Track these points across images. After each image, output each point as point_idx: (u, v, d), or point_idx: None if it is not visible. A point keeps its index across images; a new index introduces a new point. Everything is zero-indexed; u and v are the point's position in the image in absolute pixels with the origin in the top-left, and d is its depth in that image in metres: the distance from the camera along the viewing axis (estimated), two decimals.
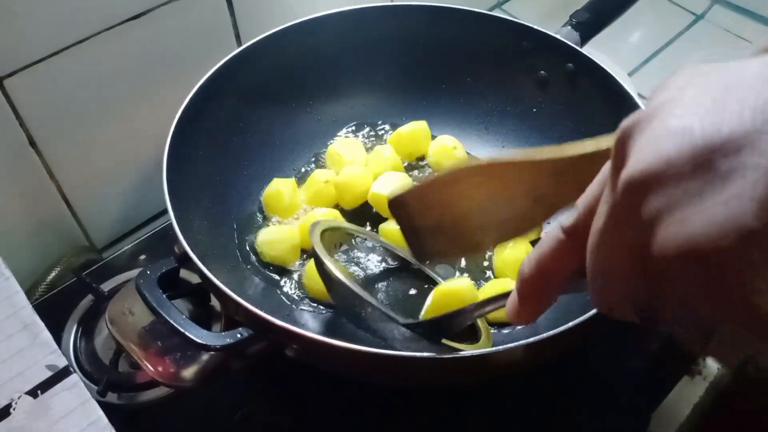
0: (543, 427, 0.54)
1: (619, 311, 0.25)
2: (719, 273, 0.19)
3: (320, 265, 0.47)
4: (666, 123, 0.21)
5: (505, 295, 0.31)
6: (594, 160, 0.38)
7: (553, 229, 0.27)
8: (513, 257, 0.57)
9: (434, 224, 0.47)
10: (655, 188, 0.20)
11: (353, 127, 0.70)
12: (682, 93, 0.21)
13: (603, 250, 0.23)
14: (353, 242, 0.60)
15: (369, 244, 0.60)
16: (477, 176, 0.44)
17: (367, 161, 0.65)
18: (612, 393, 0.55)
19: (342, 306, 0.47)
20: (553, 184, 0.41)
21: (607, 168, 0.23)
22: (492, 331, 0.54)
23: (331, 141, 0.68)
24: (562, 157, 0.40)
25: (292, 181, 0.63)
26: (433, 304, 0.56)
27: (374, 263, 0.60)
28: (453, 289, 0.55)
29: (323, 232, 0.53)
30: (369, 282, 0.58)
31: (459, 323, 0.41)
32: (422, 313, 0.56)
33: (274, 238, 0.59)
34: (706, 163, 0.19)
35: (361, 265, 0.59)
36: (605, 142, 0.39)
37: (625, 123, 0.22)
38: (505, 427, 0.53)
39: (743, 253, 0.18)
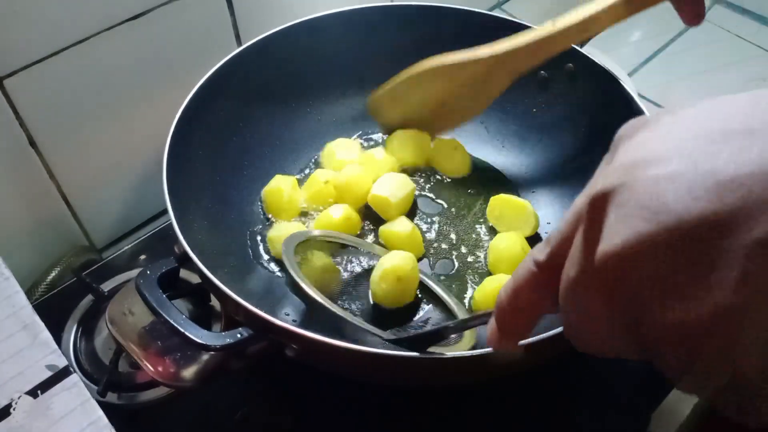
0: (543, 427, 0.54)
1: (593, 351, 0.25)
2: (702, 348, 0.20)
3: (295, 286, 0.47)
4: (639, 198, 0.21)
5: (489, 313, 0.31)
6: (516, 54, 0.57)
7: (527, 261, 0.27)
8: (507, 253, 0.57)
9: (402, 115, 0.65)
10: (630, 272, 0.21)
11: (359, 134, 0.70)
12: (653, 154, 0.21)
13: (574, 302, 0.24)
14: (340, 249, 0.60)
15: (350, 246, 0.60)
16: (429, 76, 0.61)
17: (360, 163, 0.65)
18: (612, 393, 0.55)
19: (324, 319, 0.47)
20: (489, 73, 0.59)
21: (581, 205, 0.24)
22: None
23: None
24: (492, 54, 0.57)
25: (293, 179, 0.63)
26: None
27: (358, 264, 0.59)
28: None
29: (300, 246, 0.53)
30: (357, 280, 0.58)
31: (443, 337, 0.41)
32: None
33: (284, 233, 0.59)
34: (680, 248, 0.20)
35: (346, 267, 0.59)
36: (522, 39, 0.56)
37: (600, 187, 0.22)
38: (505, 427, 0.53)
39: (725, 334, 0.20)
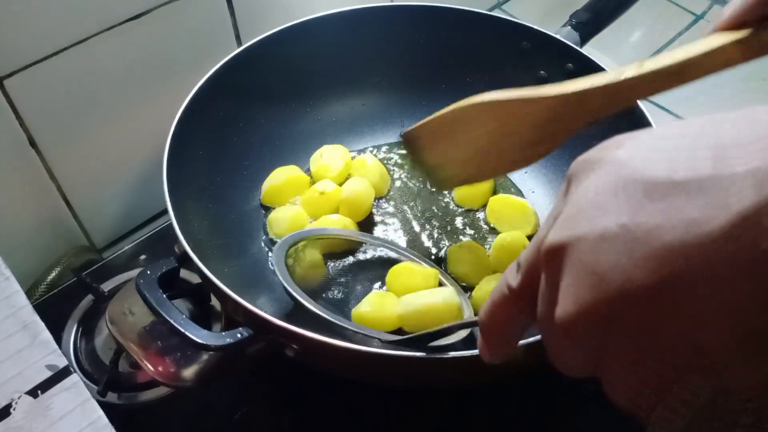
0: (543, 427, 0.54)
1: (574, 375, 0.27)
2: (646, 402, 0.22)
3: (288, 294, 0.48)
4: (584, 260, 0.22)
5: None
6: (587, 97, 0.45)
7: (501, 283, 0.28)
8: (511, 252, 0.58)
9: (443, 155, 0.53)
10: (582, 336, 0.23)
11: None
12: (595, 206, 0.22)
13: (551, 342, 0.25)
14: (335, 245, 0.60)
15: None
16: (481, 113, 0.50)
17: (350, 167, 0.65)
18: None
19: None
20: (554, 117, 0.46)
21: (539, 244, 0.25)
22: None
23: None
24: (559, 93, 0.45)
25: (293, 166, 0.64)
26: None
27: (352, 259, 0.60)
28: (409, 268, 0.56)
29: (291, 249, 0.53)
30: (347, 279, 0.59)
31: (441, 338, 0.41)
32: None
33: (282, 215, 0.60)
34: (624, 317, 0.21)
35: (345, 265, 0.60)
36: (598, 80, 0.44)
37: (552, 240, 0.23)
38: (505, 427, 0.53)
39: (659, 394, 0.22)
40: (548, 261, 0.23)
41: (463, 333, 0.48)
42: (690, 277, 0.19)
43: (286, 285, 0.48)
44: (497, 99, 0.48)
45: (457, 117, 0.51)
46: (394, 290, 0.56)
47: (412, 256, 0.59)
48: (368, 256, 0.60)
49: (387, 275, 0.57)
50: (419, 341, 0.42)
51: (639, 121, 0.55)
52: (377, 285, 0.58)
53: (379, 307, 0.53)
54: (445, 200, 0.65)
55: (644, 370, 0.21)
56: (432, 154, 0.54)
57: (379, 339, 0.44)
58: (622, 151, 0.22)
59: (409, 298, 0.53)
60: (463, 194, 0.64)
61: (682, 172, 0.20)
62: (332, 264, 0.59)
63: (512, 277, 0.27)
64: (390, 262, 0.59)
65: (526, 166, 0.51)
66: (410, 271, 0.56)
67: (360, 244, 0.60)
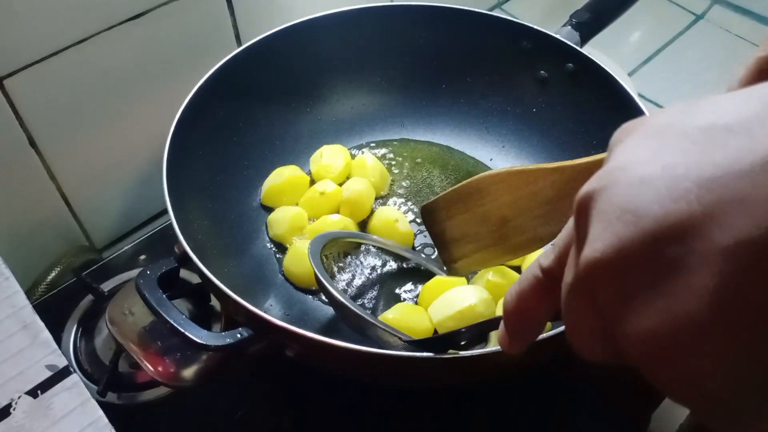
0: (543, 427, 0.54)
1: (586, 357, 0.25)
2: (673, 360, 0.20)
3: (323, 289, 0.47)
4: (617, 203, 0.20)
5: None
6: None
7: (533, 266, 0.27)
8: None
9: (460, 230, 0.52)
10: (608, 278, 0.21)
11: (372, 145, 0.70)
12: (636, 157, 0.21)
13: (569, 310, 0.24)
14: (363, 250, 0.60)
15: (370, 248, 0.60)
16: (495, 184, 0.49)
17: (350, 167, 0.65)
18: (612, 393, 0.55)
19: (347, 323, 0.48)
20: (569, 192, 0.44)
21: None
22: None
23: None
24: (580, 162, 0.43)
25: (293, 166, 0.64)
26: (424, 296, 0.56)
27: (375, 265, 0.60)
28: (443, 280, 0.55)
29: (324, 246, 0.53)
30: (372, 283, 0.58)
31: (462, 340, 0.41)
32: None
33: (282, 215, 0.60)
34: (656, 253, 0.19)
35: (363, 268, 0.59)
36: None
37: (584, 190, 0.22)
38: (505, 428, 0.53)
39: (695, 346, 0.19)
40: (580, 211, 0.22)
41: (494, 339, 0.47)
42: (728, 208, 0.18)
43: (318, 273, 0.48)
44: (512, 169, 0.48)
45: (473, 187, 0.51)
46: (426, 305, 0.55)
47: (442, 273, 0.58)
48: (397, 266, 0.60)
49: (421, 290, 0.56)
50: (438, 344, 0.41)
51: (635, 117, 0.55)
52: (406, 296, 0.58)
53: (406, 317, 0.53)
54: None
55: (663, 329, 0.20)
56: (449, 228, 0.53)
57: (399, 338, 0.43)
58: (665, 113, 0.22)
59: (440, 303, 0.52)
60: None
61: (726, 118, 0.20)
62: (359, 268, 0.60)
63: (545, 257, 0.26)
64: (421, 274, 0.59)
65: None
66: (444, 286, 0.55)
67: (391, 253, 0.60)
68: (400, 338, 0.43)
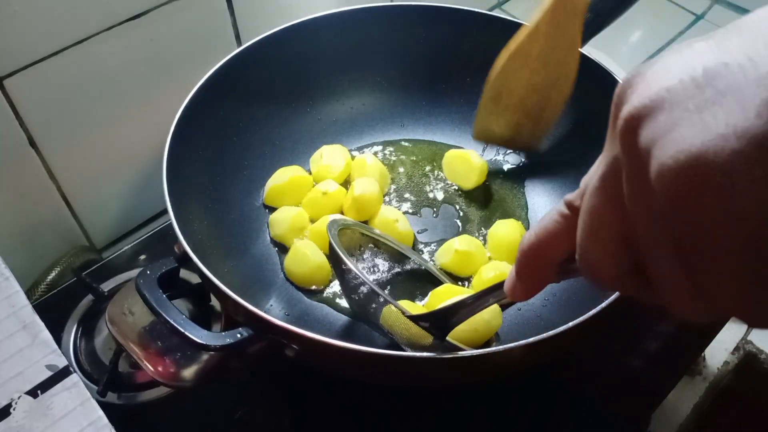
0: (543, 427, 0.54)
1: (609, 280, 0.24)
2: (725, 188, 0.18)
3: (333, 254, 0.48)
4: (666, 63, 0.20)
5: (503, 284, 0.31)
6: None
7: (556, 206, 0.27)
8: (506, 240, 0.58)
9: (515, 124, 0.63)
10: (654, 113, 0.19)
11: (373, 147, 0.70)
12: (696, 63, 0.20)
13: (592, 212, 0.23)
14: (371, 246, 0.60)
15: (384, 248, 0.60)
16: (509, 71, 0.59)
17: (350, 167, 0.65)
18: (612, 393, 0.55)
19: (351, 298, 0.48)
20: (559, 24, 0.55)
21: (607, 148, 0.23)
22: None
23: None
24: (546, 7, 0.54)
25: (295, 166, 0.64)
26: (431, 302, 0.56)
27: (387, 266, 0.60)
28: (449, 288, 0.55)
29: (342, 229, 0.54)
30: (382, 285, 0.58)
31: (462, 315, 0.41)
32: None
33: (283, 216, 0.60)
34: (706, 84, 0.18)
35: (376, 268, 0.60)
36: None
37: (623, 81, 0.21)
38: (505, 428, 0.53)
39: (748, 160, 0.17)
40: (629, 133, 0.20)
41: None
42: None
43: (333, 241, 0.49)
44: (506, 49, 0.58)
45: (495, 85, 0.60)
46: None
47: (446, 279, 0.58)
48: (407, 267, 0.60)
49: (429, 295, 0.56)
50: (440, 317, 0.41)
51: None
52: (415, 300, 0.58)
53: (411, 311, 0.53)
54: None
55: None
56: (500, 125, 0.63)
57: (402, 311, 0.43)
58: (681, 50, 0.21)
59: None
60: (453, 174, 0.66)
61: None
62: (368, 264, 0.59)
63: (572, 195, 0.26)
64: (426, 278, 0.59)
65: (570, 84, 0.59)
66: (453, 292, 0.55)
67: (401, 256, 0.60)
68: (402, 313, 0.43)
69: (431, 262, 0.60)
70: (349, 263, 0.46)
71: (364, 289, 0.45)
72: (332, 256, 0.49)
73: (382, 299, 0.44)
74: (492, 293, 0.37)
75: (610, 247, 0.23)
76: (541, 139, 0.64)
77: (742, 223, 0.18)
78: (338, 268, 0.48)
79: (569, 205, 0.26)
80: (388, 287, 0.58)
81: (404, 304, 0.54)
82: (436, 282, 0.58)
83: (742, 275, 0.19)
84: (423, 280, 0.58)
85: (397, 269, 0.59)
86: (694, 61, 0.19)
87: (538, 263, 0.28)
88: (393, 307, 0.43)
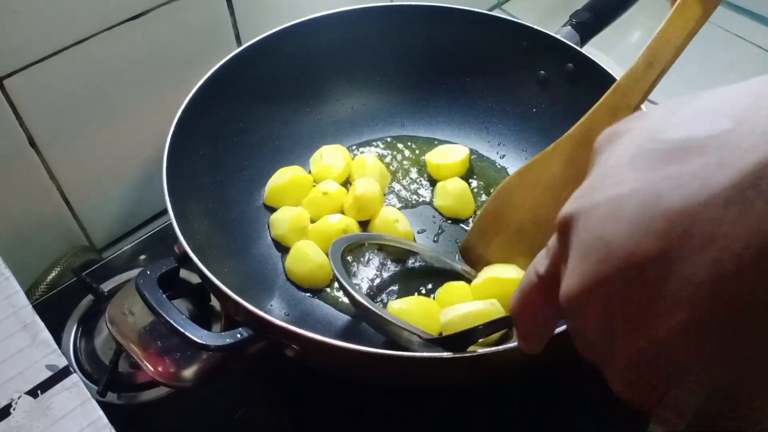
0: (543, 427, 0.54)
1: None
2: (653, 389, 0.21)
3: (344, 290, 0.48)
4: (593, 233, 0.21)
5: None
6: (593, 127, 0.46)
7: (529, 271, 0.28)
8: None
9: (504, 252, 0.54)
10: (587, 310, 0.22)
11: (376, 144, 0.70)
12: (610, 174, 0.21)
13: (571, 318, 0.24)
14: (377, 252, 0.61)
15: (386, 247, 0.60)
16: (513, 189, 0.50)
17: (350, 167, 0.65)
18: (612, 393, 0.55)
19: (368, 322, 0.49)
20: (575, 156, 0.47)
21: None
22: None
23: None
24: (567, 135, 0.46)
25: (296, 167, 0.64)
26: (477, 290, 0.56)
27: (395, 266, 0.60)
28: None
29: (345, 249, 0.54)
30: (393, 280, 0.59)
31: (479, 336, 0.41)
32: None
33: (283, 216, 0.60)
34: (629, 287, 0.20)
35: (385, 269, 0.60)
36: (596, 108, 0.47)
37: (567, 209, 0.23)
38: (505, 428, 0.53)
39: (673, 379, 0.21)
40: (561, 233, 0.23)
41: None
42: (694, 243, 0.18)
43: (338, 276, 0.49)
44: (517, 173, 0.50)
45: (494, 207, 0.53)
46: (443, 303, 0.55)
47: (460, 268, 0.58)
48: (415, 263, 0.60)
49: (439, 290, 0.56)
50: (456, 340, 0.41)
51: None
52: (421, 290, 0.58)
53: (420, 309, 0.53)
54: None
55: (643, 362, 0.20)
56: (492, 256, 0.55)
57: (419, 336, 0.43)
58: (645, 120, 0.22)
59: (451, 308, 0.52)
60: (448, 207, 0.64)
61: (702, 131, 0.19)
62: (380, 266, 0.60)
63: (540, 263, 0.26)
64: (437, 273, 0.59)
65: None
66: (464, 288, 0.55)
67: (408, 252, 0.60)
68: (419, 336, 0.43)
69: (438, 252, 0.60)
70: (358, 296, 0.46)
71: (377, 319, 0.46)
72: (341, 288, 0.50)
73: (398, 327, 0.44)
74: (505, 322, 0.38)
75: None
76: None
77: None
78: (349, 298, 0.48)
79: (539, 277, 0.27)
80: (397, 284, 0.58)
81: (415, 300, 0.54)
82: (445, 274, 0.58)
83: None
84: (432, 276, 0.59)
85: (407, 265, 0.59)
86: (611, 233, 0.20)
87: (531, 323, 0.29)
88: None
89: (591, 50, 0.63)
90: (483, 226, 0.55)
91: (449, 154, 0.65)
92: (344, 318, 0.56)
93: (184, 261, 0.48)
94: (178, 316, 0.44)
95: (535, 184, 0.49)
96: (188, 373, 0.46)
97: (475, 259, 0.56)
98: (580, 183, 0.46)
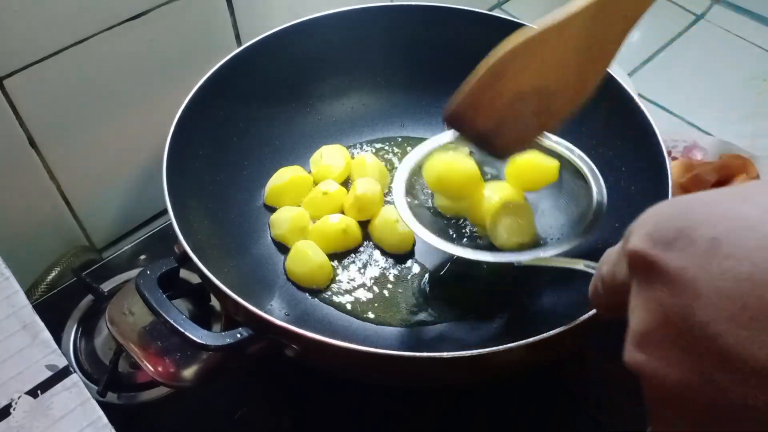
0: (543, 427, 0.54)
1: None
2: None
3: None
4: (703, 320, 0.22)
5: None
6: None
7: (596, 275, 0.30)
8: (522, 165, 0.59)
9: (495, 123, 0.49)
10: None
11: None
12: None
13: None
14: None
15: None
16: (518, 60, 0.46)
17: (349, 167, 0.65)
18: (612, 393, 0.55)
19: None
20: (592, 33, 0.42)
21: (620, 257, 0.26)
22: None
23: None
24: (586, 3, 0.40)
25: (296, 167, 0.64)
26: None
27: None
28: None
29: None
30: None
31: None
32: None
33: (283, 216, 0.60)
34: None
35: None
36: None
37: (665, 259, 0.23)
38: (505, 428, 0.53)
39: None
40: (642, 274, 0.24)
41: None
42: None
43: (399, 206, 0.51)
44: (528, 38, 0.44)
45: (497, 74, 0.47)
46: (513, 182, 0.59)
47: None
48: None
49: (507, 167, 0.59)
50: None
51: (635, 117, 0.56)
52: None
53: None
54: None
55: None
56: (482, 122, 0.49)
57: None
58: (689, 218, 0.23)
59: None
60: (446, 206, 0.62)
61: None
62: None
63: (607, 275, 0.29)
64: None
65: (579, 103, 0.48)
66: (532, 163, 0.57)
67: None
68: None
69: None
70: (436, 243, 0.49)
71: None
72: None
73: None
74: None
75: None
76: (513, 152, 0.53)
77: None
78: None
79: (604, 287, 0.29)
80: None
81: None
82: None
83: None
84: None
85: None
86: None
87: (605, 302, 0.31)
88: None
89: None
90: (476, 95, 0.48)
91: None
92: (344, 318, 0.56)
93: (184, 261, 0.48)
94: (178, 316, 0.44)
95: (541, 59, 0.45)
96: (188, 373, 0.46)
97: (461, 127, 0.51)
98: (594, 57, 0.43)
